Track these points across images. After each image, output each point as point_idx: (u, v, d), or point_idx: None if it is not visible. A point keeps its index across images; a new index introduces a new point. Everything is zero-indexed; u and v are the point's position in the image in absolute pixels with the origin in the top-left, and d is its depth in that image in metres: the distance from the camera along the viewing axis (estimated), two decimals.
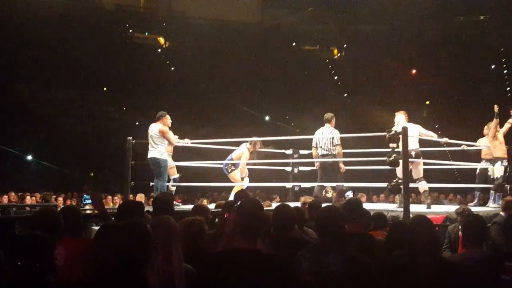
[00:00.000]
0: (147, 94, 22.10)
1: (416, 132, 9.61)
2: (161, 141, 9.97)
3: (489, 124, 10.81)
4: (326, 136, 9.80)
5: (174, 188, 11.05)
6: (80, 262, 3.49)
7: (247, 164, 10.74)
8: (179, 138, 10.67)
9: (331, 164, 9.84)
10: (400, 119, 9.77)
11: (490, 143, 10.69)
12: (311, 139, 10.26)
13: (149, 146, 10.03)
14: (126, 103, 22.64)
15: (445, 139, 10.24)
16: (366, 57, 27.44)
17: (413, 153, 9.25)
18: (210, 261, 3.30)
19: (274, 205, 6.32)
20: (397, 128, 9.02)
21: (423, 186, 9.68)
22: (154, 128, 10.01)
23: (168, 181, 10.62)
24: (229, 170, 10.61)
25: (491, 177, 10.63)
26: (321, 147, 9.82)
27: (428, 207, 9.47)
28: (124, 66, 23.90)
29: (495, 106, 10.64)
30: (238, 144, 10.85)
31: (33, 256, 3.01)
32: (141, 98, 21.56)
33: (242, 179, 10.61)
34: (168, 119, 10.23)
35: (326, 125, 9.97)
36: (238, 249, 3.19)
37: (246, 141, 10.68)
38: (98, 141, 19.45)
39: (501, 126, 10.75)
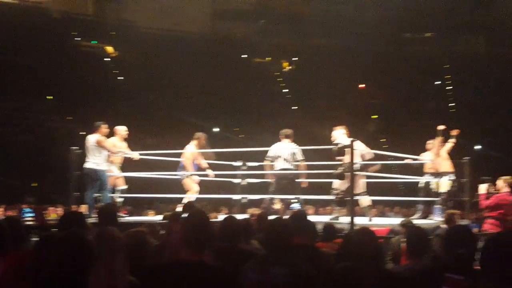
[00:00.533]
0: (93, 104, 21.80)
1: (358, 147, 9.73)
2: (98, 152, 9.89)
3: (434, 141, 11.05)
4: (289, 152, 9.87)
5: (121, 200, 10.92)
6: (21, 275, 3.39)
7: (200, 175, 10.75)
8: (128, 149, 10.62)
9: (294, 178, 9.92)
10: (339, 134, 9.83)
11: (434, 159, 10.92)
12: (261, 151, 10.30)
13: (86, 158, 9.95)
14: (71, 113, 22.28)
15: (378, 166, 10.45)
16: (315, 71, 27.82)
17: (358, 166, 9.35)
18: (155, 273, 3.27)
19: (221, 217, 6.28)
20: (344, 141, 9.13)
21: (365, 200, 9.78)
22: (91, 139, 9.92)
23: (113, 192, 10.52)
24: (183, 177, 10.56)
25: (434, 190, 10.83)
26: (286, 159, 9.87)
27: (370, 220, 9.59)
28: (70, 75, 23.57)
29: (441, 126, 10.89)
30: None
31: None
32: (87, 108, 21.24)
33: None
34: (104, 129, 10.14)
35: (285, 140, 10.03)
36: (183, 260, 3.16)
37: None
38: (42, 151, 19.06)
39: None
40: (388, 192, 12.56)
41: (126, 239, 3.65)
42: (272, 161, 10.02)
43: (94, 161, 9.85)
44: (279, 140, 10.11)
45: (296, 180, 10.11)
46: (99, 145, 9.86)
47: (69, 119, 21.70)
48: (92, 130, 10.16)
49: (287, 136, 10.07)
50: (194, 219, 3.34)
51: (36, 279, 3.20)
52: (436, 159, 10.81)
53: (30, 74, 22.07)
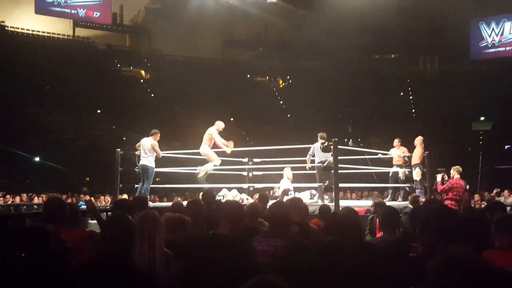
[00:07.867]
0: (132, 115, 21.83)
1: None
2: (151, 153, 9.34)
3: (400, 141, 10.71)
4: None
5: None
6: (79, 248, 3.35)
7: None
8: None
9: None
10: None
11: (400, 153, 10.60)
12: (262, 150, 10.06)
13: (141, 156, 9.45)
14: (116, 122, 22.32)
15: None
16: (304, 86, 27.83)
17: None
18: (189, 245, 3.28)
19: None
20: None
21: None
22: (147, 142, 9.37)
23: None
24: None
25: (401, 178, 10.59)
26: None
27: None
28: (114, 93, 23.70)
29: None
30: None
31: (37, 244, 2.83)
32: (127, 118, 21.27)
33: None
34: (157, 135, 9.58)
35: (321, 140, 9.37)
36: (218, 234, 3.22)
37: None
38: (93, 152, 19.10)
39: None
40: (365, 180, 12.40)
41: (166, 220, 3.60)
42: (313, 156, 9.50)
43: (147, 159, 9.35)
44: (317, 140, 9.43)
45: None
46: (153, 148, 9.46)
47: (114, 128, 21.71)
48: (148, 135, 9.61)
49: (322, 138, 9.39)
50: (226, 205, 3.36)
51: (91, 252, 3.18)
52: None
53: (82, 93, 22.13)
